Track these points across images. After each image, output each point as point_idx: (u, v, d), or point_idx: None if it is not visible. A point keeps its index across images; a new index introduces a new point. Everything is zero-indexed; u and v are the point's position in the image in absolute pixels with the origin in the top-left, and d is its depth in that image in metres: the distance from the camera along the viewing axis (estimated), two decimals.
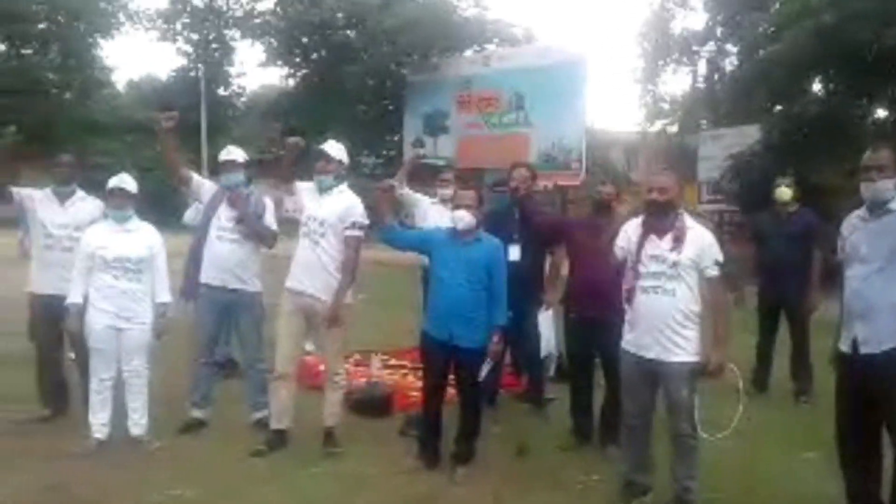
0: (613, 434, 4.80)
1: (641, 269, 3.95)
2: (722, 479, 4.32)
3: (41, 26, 28.00)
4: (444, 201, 6.01)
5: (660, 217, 3.95)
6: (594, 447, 4.94)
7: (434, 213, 5.99)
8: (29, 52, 28.50)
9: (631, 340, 4.04)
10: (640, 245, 3.98)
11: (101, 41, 30.21)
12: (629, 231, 4.11)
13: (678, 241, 3.87)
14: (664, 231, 3.93)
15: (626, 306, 4.04)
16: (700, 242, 3.88)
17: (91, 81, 29.75)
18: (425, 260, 5.74)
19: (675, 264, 3.85)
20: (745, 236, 7.95)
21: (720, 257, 3.88)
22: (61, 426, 5.01)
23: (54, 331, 5.03)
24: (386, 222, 4.66)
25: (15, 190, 5.11)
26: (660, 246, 3.92)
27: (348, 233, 4.70)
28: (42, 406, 5.16)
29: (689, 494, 3.93)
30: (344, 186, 4.83)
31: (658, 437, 4.16)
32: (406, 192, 6.09)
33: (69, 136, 25.22)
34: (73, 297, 4.58)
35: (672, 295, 3.85)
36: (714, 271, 3.86)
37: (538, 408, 5.72)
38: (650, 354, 3.92)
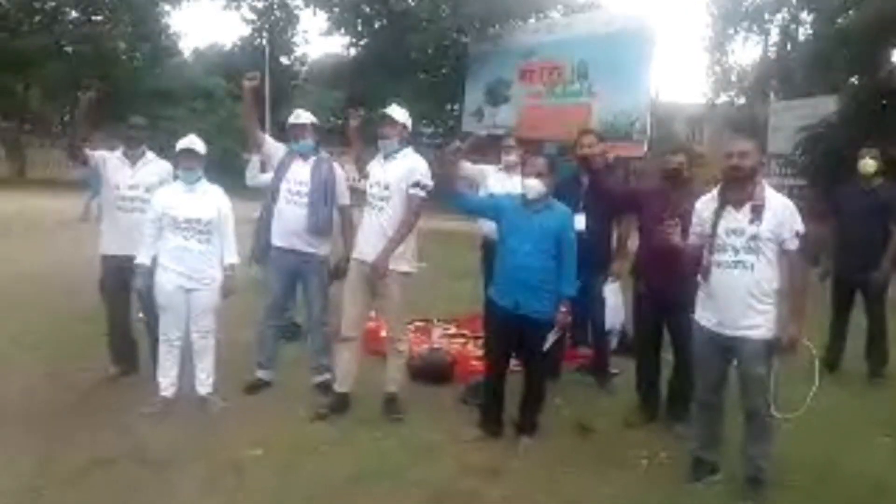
0: (681, 410, 4.69)
1: (718, 242, 3.78)
2: (794, 461, 4.19)
3: None
4: (507, 168, 5.89)
5: (738, 187, 3.77)
6: (660, 424, 4.84)
7: (496, 180, 5.88)
8: (100, 19, 29.10)
9: (706, 315, 3.89)
10: (717, 218, 3.81)
11: (169, 9, 30.70)
12: (702, 208, 3.95)
13: (757, 213, 3.69)
14: (742, 202, 3.75)
15: (701, 280, 3.89)
16: (780, 213, 3.68)
17: (159, 49, 30.24)
18: (484, 229, 5.68)
19: (754, 237, 3.68)
20: (817, 211, 7.66)
21: (801, 228, 3.68)
22: (130, 385, 5.12)
23: (123, 291, 5.13)
24: (455, 187, 4.57)
25: (91, 153, 5.18)
26: (737, 218, 3.74)
27: (411, 191, 4.63)
28: (112, 364, 5.28)
29: (761, 474, 3.82)
30: (409, 150, 4.77)
31: (728, 415, 4.05)
32: (465, 165, 5.96)
33: (138, 102, 25.78)
34: (142, 258, 4.64)
35: (750, 269, 3.69)
36: (794, 244, 3.66)
37: (602, 381, 5.62)
38: (726, 331, 3.78)
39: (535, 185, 4.28)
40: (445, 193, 4.56)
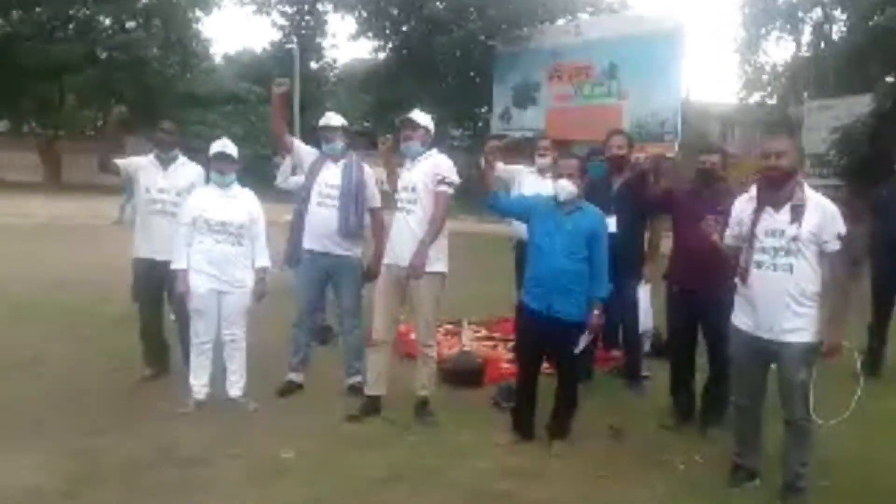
0: (716, 414, 4.63)
1: (756, 244, 3.70)
2: (835, 467, 4.10)
3: (144, 1, 28.94)
4: (541, 170, 5.85)
5: (776, 187, 3.68)
6: (694, 427, 4.76)
7: (529, 182, 5.85)
8: (132, 26, 29.55)
9: (744, 319, 3.81)
10: (756, 219, 3.73)
11: (201, 15, 31.07)
12: (739, 209, 3.88)
13: (797, 214, 3.60)
14: (781, 202, 3.66)
15: (738, 283, 3.82)
16: (821, 214, 3.59)
17: (191, 55, 30.63)
18: (519, 231, 5.64)
19: (794, 238, 3.58)
20: (854, 211, 7.51)
21: (843, 230, 3.59)
22: (163, 387, 5.15)
23: (155, 294, 5.18)
24: (490, 187, 4.54)
25: (121, 163, 5.22)
26: (777, 219, 3.65)
27: (438, 189, 4.60)
28: (145, 366, 5.32)
29: (800, 482, 3.73)
30: (433, 151, 4.78)
31: (766, 419, 3.96)
32: (499, 166, 5.91)
33: (170, 108, 26.16)
34: (178, 263, 4.67)
35: (790, 271, 3.60)
36: (836, 245, 3.57)
37: (635, 384, 5.56)
38: (766, 335, 3.69)
39: (567, 187, 4.23)
40: (479, 193, 4.53)
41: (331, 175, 5.02)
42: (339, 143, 5.08)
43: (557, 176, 4.32)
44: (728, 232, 3.95)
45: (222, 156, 4.69)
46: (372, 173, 5.17)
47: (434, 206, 4.61)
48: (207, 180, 4.86)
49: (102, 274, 8.82)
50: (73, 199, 20.46)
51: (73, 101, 31.20)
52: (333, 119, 5.12)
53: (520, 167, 6.00)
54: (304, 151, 5.21)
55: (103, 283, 8.31)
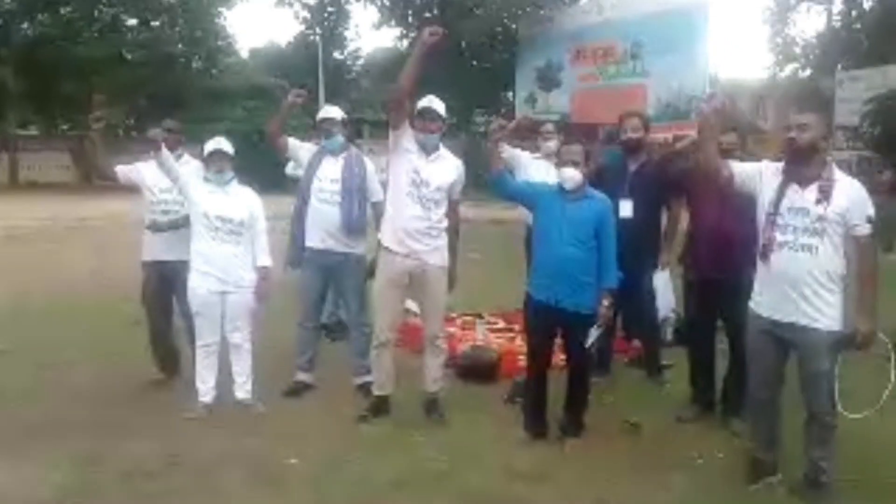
0: (738, 406, 4.43)
1: (780, 221, 3.51)
2: (861, 460, 3.89)
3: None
4: (546, 155, 5.68)
5: (802, 163, 3.48)
6: (716, 419, 4.59)
7: (534, 169, 5.69)
8: (157, 24, 29.78)
9: (762, 302, 3.63)
10: (780, 194, 3.54)
11: (224, 10, 31.22)
12: (765, 171, 3.65)
13: (825, 193, 3.41)
14: (808, 181, 3.47)
15: (759, 262, 3.62)
16: (850, 195, 3.40)
17: (216, 50, 30.79)
18: (527, 217, 5.49)
19: (819, 219, 3.40)
20: (888, 184, 7.21)
21: (872, 213, 3.40)
22: (173, 390, 5.09)
23: (164, 297, 5.10)
24: (497, 167, 4.40)
25: (120, 169, 5.11)
26: (803, 197, 3.46)
27: (456, 198, 4.67)
28: (155, 370, 5.27)
29: (823, 476, 3.54)
30: (443, 149, 4.65)
31: (788, 410, 3.77)
32: (504, 148, 5.77)
33: (196, 104, 26.33)
34: None
35: (813, 252, 3.41)
36: (865, 229, 3.38)
37: (654, 375, 5.38)
38: (784, 319, 3.51)
39: (573, 176, 4.07)
40: (488, 176, 4.40)
41: (331, 170, 4.90)
42: (339, 137, 4.96)
43: (561, 164, 4.15)
44: (743, 171, 3.71)
45: (219, 153, 4.59)
46: (372, 166, 5.04)
47: (454, 214, 4.69)
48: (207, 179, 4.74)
49: (128, 274, 8.80)
50: (104, 199, 20.58)
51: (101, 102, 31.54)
52: (332, 112, 5.00)
53: (524, 153, 5.83)
54: (301, 149, 5.10)
55: (128, 283, 8.28)
